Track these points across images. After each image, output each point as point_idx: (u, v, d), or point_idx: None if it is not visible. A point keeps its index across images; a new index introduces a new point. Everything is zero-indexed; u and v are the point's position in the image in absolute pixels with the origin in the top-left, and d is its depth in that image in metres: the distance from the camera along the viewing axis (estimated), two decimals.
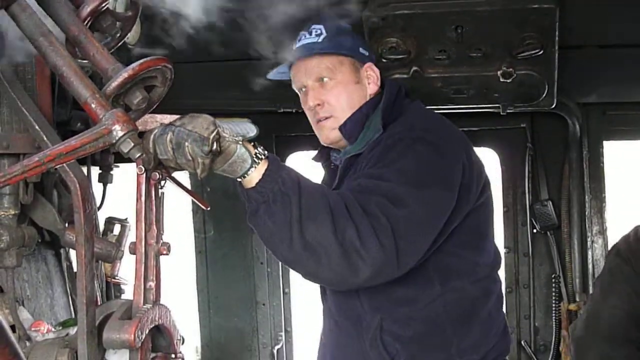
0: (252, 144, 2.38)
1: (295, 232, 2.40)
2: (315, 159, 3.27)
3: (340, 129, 2.98)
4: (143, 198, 2.24)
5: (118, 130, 1.76)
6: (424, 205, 2.60)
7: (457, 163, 2.79)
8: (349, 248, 2.41)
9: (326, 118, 3.00)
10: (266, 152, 2.39)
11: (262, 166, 2.37)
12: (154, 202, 2.28)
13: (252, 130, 2.68)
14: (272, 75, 3.21)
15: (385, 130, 2.87)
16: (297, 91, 3.14)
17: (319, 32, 3.04)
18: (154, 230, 2.29)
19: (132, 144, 1.78)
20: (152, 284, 2.30)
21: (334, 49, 3.01)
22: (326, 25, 3.05)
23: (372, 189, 2.57)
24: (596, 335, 3.46)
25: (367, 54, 3.11)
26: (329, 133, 3.02)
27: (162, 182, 2.31)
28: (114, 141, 1.77)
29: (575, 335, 3.61)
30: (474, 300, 2.91)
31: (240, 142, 2.31)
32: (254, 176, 2.36)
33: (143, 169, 2.19)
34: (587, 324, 3.55)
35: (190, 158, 2.15)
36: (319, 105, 3.00)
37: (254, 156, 2.34)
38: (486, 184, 2.93)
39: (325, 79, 3.00)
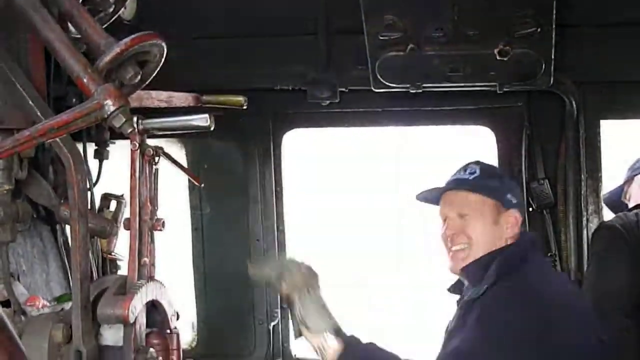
0: None
1: None
2: (450, 290, 3.34)
3: (463, 268, 3.12)
4: (137, 174, 2.24)
5: (110, 105, 1.75)
6: None
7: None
8: None
9: (462, 250, 3.13)
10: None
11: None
12: (148, 179, 2.28)
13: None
14: (420, 197, 3.38)
15: (497, 282, 2.96)
16: (441, 219, 3.28)
17: (473, 171, 3.23)
18: (148, 207, 2.30)
19: (124, 119, 1.77)
20: (146, 259, 2.31)
21: (480, 189, 3.17)
22: (482, 166, 3.26)
23: None
24: (599, 307, 3.48)
25: (514, 201, 3.20)
26: (461, 264, 3.13)
27: (157, 159, 2.32)
28: (106, 116, 1.76)
29: None
30: None
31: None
32: None
33: (137, 145, 2.19)
34: (589, 297, 3.58)
35: None
36: (454, 234, 3.14)
37: None
38: None
39: (465, 214, 3.14)
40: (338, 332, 2.99)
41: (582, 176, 4.12)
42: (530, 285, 2.98)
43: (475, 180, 3.21)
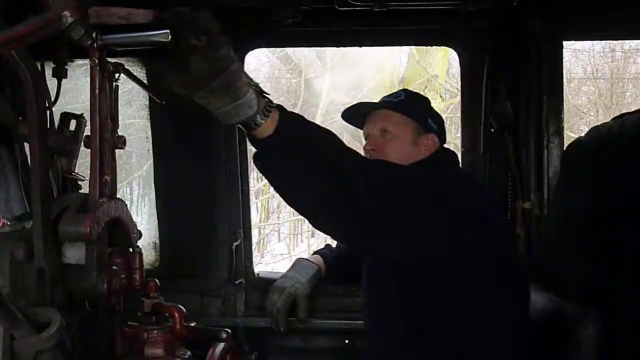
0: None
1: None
2: None
3: None
4: (97, 91, 2.20)
5: (68, 17, 1.71)
6: None
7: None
8: None
9: None
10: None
11: (275, 113, 2.40)
12: (108, 95, 2.24)
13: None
14: (345, 116, 3.59)
15: None
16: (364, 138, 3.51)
17: (399, 95, 3.47)
18: (108, 124, 2.27)
19: (83, 31, 1.74)
20: (107, 177, 2.29)
21: (403, 109, 3.38)
22: (408, 92, 3.54)
23: None
24: (561, 225, 3.52)
25: (435, 127, 3.41)
26: None
27: (117, 75, 2.28)
28: (64, 28, 1.72)
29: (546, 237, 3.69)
30: None
31: (254, 86, 2.33)
32: (269, 124, 2.39)
33: (96, 61, 2.15)
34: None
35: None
36: (373, 150, 3.35)
37: (266, 105, 2.37)
38: None
39: (387, 132, 3.33)
40: None
41: (544, 97, 4.15)
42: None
43: (400, 102, 3.43)
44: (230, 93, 2.26)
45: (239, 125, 2.41)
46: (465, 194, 2.92)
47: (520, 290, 3.10)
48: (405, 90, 3.54)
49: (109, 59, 2.21)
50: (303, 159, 2.44)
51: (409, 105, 3.43)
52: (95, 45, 2.03)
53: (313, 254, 4.00)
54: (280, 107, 2.44)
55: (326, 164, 2.47)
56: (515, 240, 3.57)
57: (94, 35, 1.89)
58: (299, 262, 3.92)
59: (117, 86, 2.28)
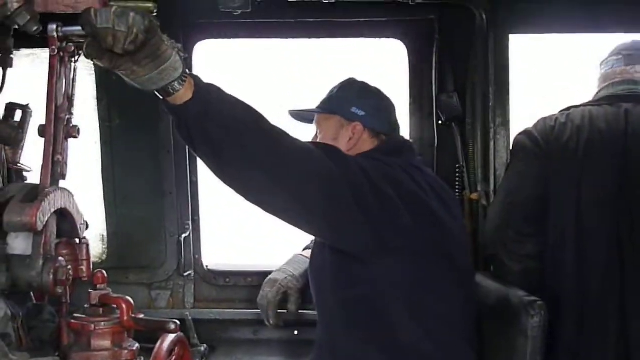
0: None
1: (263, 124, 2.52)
2: None
3: None
4: (55, 79, 2.18)
5: (13, 3, 1.69)
6: None
7: None
8: None
9: None
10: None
11: (191, 80, 2.34)
12: (66, 80, 2.22)
13: None
14: (295, 116, 3.63)
15: None
16: None
17: (333, 89, 3.47)
18: (64, 113, 2.25)
19: (29, 17, 1.71)
20: (60, 162, 2.26)
21: (325, 108, 3.43)
22: (342, 84, 3.47)
23: None
24: (504, 215, 3.56)
25: (361, 113, 3.32)
26: None
27: (77, 57, 2.25)
28: (9, 13, 1.70)
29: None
30: None
31: (177, 49, 2.24)
32: (187, 89, 2.32)
33: (56, 50, 2.12)
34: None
35: (129, 27, 2.03)
36: None
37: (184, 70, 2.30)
38: None
39: (317, 134, 3.41)
40: None
41: (490, 89, 4.18)
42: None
43: (326, 100, 3.46)
44: (155, 59, 2.16)
45: (156, 92, 2.32)
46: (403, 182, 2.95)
47: (458, 284, 3.16)
48: (338, 85, 3.50)
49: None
50: (228, 119, 2.42)
51: (332, 100, 3.43)
52: (56, 35, 2.01)
53: (304, 249, 3.94)
54: (193, 74, 2.38)
55: (253, 122, 2.48)
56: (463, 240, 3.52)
57: (55, 28, 1.87)
58: (294, 258, 3.88)
59: (75, 73, 2.25)
